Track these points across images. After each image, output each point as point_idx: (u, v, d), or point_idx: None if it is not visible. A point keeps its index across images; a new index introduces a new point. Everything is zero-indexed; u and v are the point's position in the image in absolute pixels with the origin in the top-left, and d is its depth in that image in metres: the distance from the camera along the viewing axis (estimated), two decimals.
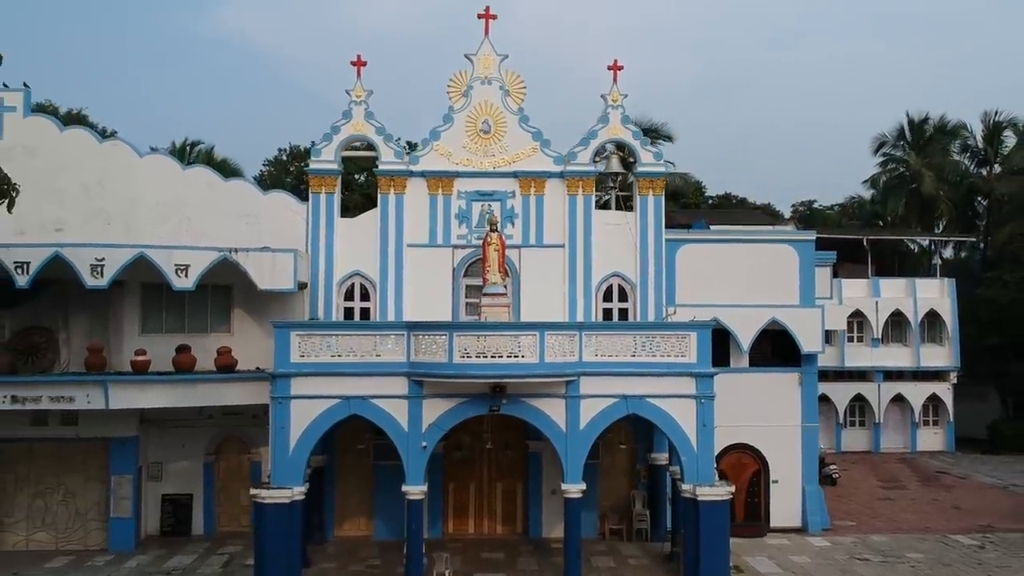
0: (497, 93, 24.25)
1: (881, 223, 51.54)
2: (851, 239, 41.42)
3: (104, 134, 47.64)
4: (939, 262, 44.40)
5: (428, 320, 20.52)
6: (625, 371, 19.34)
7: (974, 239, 46.43)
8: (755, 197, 67.72)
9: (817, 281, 25.68)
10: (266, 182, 56.09)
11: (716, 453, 21.41)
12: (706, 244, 24.96)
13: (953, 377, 40.50)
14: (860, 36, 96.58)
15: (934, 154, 49.00)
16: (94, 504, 22.83)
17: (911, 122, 50.38)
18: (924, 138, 50.33)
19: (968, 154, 49.77)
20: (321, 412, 19.16)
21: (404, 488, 19.21)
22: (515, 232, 23.95)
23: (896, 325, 40.52)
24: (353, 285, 23.95)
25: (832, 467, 31.76)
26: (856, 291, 39.66)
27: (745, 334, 24.27)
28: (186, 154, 49.36)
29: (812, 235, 25.67)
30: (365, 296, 23.93)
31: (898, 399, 40.39)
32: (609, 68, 24.56)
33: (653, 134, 46.63)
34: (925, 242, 47.46)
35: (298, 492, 19.11)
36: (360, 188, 49.18)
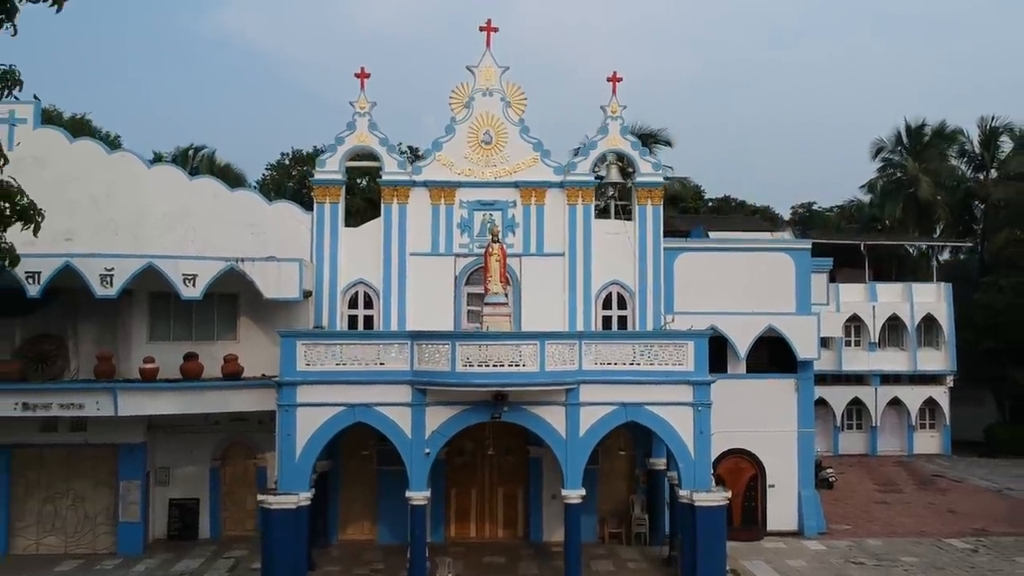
0: (498, 104, 24.67)
1: (879, 227, 51.99)
2: (849, 244, 41.82)
3: (107, 139, 48.37)
4: (936, 266, 44.80)
5: (431, 329, 20.95)
6: (624, 379, 19.76)
7: (970, 244, 46.82)
8: (754, 199, 68.19)
9: (814, 287, 26.09)
10: (268, 186, 56.66)
11: (714, 458, 21.93)
12: (704, 252, 25.37)
13: (949, 381, 40.96)
14: (860, 36, 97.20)
15: (931, 159, 49.46)
16: (103, 509, 23.23)
17: (908, 128, 50.84)
18: (921, 143, 50.79)
19: (965, 159, 50.23)
20: (327, 419, 19.59)
21: (408, 494, 19.63)
22: (516, 241, 24.36)
23: (893, 329, 40.97)
24: (357, 293, 24.36)
25: (829, 471, 32.20)
26: (853, 296, 40.11)
27: (742, 341, 24.68)
28: (189, 159, 49.82)
29: (808, 243, 26.09)
30: (369, 304, 24.34)
31: (895, 403, 40.84)
32: (608, 80, 24.93)
33: (652, 139, 47.18)
34: (923, 246, 47.88)
35: (304, 498, 19.53)
36: (362, 193, 49.59)
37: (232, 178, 49.67)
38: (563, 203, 24.57)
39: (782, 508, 24.99)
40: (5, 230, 10.39)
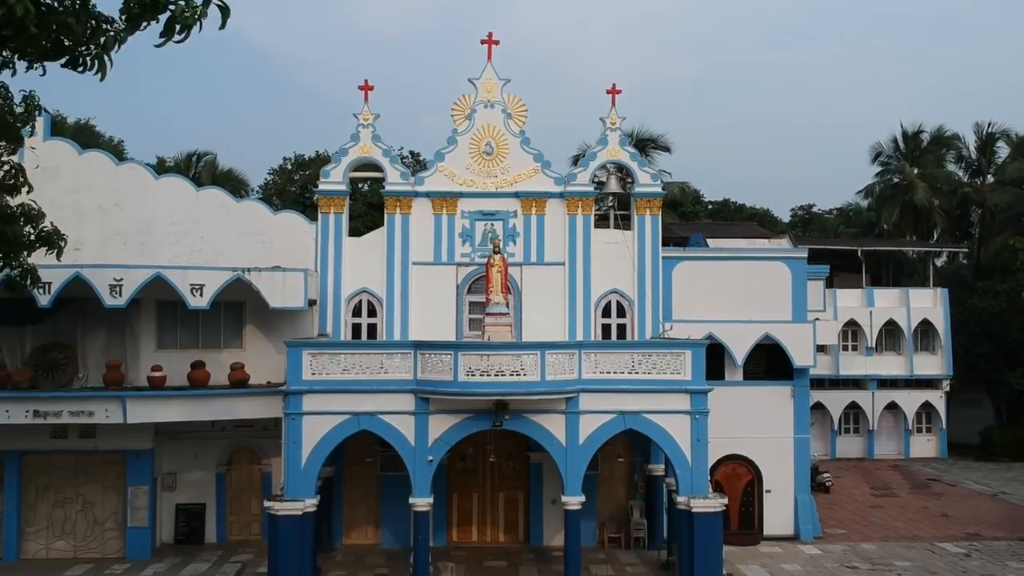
0: (499, 116, 25.10)
1: (877, 231, 52.37)
2: (846, 250, 42.23)
3: (111, 144, 48.81)
4: (932, 270, 45.16)
5: (434, 339, 21.37)
6: (622, 388, 20.20)
7: (966, 250, 47.21)
8: (754, 201, 68.45)
9: (811, 294, 26.55)
10: (271, 191, 57.06)
11: (712, 463, 22.36)
12: (702, 261, 25.78)
13: (946, 385, 41.34)
14: (860, 36, 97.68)
15: (928, 165, 49.86)
16: (111, 514, 23.67)
17: (905, 133, 51.26)
18: (919, 148, 51.19)
19: (962, 164, 50.59)
20: (332, 427, 20.03)
21: (411, 500, 20.07)
22: (517, 250, 24.80)
23: (890, 334, 41.34)
24: (361, 302, 24.80)
25: (825, 475, 32.60)
26: (851, 301, 40.48)
27: (739, 349, 25.09)
28: (192, 165, 50.18)
29: (804, 252, 26.49)
30: (372, 312, 24.78)
31: (892, 407, 41.20)
32: (608, 92, 25.34)
33: (651, 145, 47.64)
34: (920, 251, 48.23)
35: (310, 504, 19.96)
36: (364, 197, 49.98)
37: (235, 183, 50.07)
38: (563, 213, 25.01)
39: (778, 513, 25.41)
40: (29, 255, 10.78)
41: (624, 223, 26.88)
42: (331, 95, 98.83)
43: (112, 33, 5.53)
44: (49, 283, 21.03)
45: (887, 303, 41.10)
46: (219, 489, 24.86)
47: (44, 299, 21.19)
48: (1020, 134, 47.83)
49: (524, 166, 25.05)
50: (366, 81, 24.95)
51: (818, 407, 39.58)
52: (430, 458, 20.04)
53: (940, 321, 40.93)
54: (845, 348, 40.66)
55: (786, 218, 72.97)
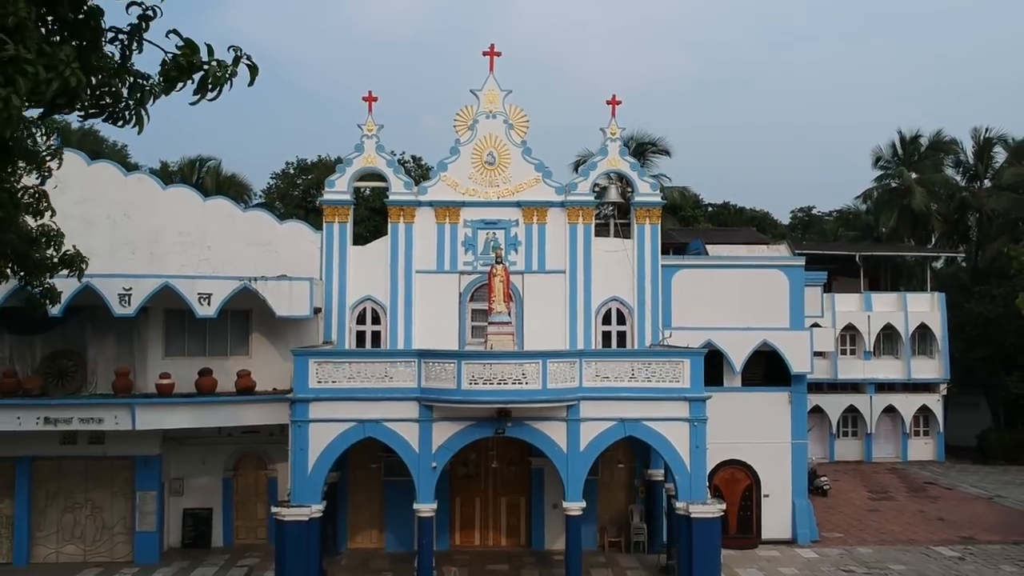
0: (501, 127, 25.49)
1: (875, 235, 52.78)
2: (844, 255, 42.62)
3: (114, 149, 49.22)
4: (930, 274, 45.57)
5: (438, 348, 21.77)
6: (623, 395, 20.59)
7: (963, 255, 47.60)
8: (754, 203, 68.83)
9: (809, 300, 26.92)
10: (274, 195, 57.51)
11: (711, 468, 22.82)
12: (701, 269, 26.19)
13: (943, 389, 41.73)
14: (861, 36, 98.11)
15: (926, 170, 50.28)
16: (120, 518, 24.07)
17: (903, 138, 51.66)
18: (918, 153, 51.63)
19: (960, 169, 51.01)
20: (338, 434, 20.42)
21: (415, 506, 20.47)
22: (518, 259, 25.19)
23: (888, 338, 41.74)
24: (365, 309, 25.19)
25: (823, 479, 32.99)
26: (849, 305, 40.90)
27: (738, 356, 25.49)
28: (196, 170, 50.57)
29: (801, 260, 26.88)
30: (376, 320, 25.18)
31: (889, 410, 41.60)
32: (608, 103, 25.74)
33: (651, 148, 47.99)
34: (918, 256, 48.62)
35: (316, 510, 20.35)
36: (366, 202, 50.42)
37: (238, 189, 50.52)
38: (564, 222, 25.40)
39: (776, 517, 25.80)
40: (51, 277, 11.18)
41: (624, 230, 27.29)
42: (331, 96, 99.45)
43: (149, 88, 5.92)
44: (60, 293, 21.39)
45: (885, 308, 41.48)
46: (226, 494, 25.25)
47: (55, 308, 21.50)
48: (1017, 139, 48.21)
49: (525, 176, 25.45)
50: (370, 93, 25.34)
51: (817, 411, 40.05)
52: (434, 465, 20.43)
53: (937, 325, 41.33)
54: (843, 352, 41.09)
55: (786, 220, 73.50)
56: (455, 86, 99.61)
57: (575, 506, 20.55)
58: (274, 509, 20.64)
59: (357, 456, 23.95)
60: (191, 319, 23.50)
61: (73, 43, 5.33)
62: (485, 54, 25.67)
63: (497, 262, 22.50)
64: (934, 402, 41.75)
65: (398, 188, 25.34)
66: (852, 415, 41.78)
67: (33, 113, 6.60)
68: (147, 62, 6.01)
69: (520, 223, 25.37)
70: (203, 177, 49.22)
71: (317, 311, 24.37)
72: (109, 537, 24.05)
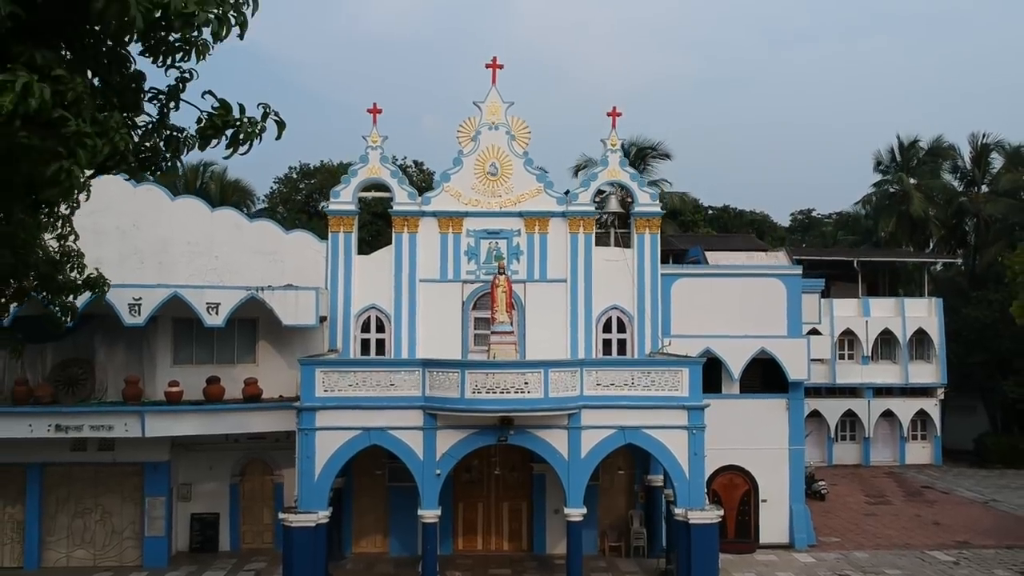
0: (504, 138, 25.91)
1: (875, 239, 53.19)
2: (843, 261, 43.07)
3: None
4: (927, 279, 45.98)
5: (442, 358, 22.19)
6: (622, 404, 21.03)
7: (960, 261, 48.03)
8: (754, 205, 69.26)
9: (806, 306, 27.34)
10: (277, 200, 57.97)
11: (709, 474, 23.27)
12: (699, 278, 26.64)
13: (940, 393, 42.15)
14: (861, 36, 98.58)
15: (924, 175, 50.72)
16: (129, 523, 24.50)
17: (901, 144, 52.11)
18: (917, 159, 52.08)
19: (957, 175, 51.44)
20: (344, 442, 20.86)
21: (420, 512, 20.92)
22: (520, 268, 25.62)
23: (885, 343, 42.15)
24: (369, 318, 25.62)
25: (821, 483, 33.42)
26: (847, 311, 41.33)
27: (736, 363, 25.92)
28: (199, 175, 50.95)
29: (799, 269, 27.31)
30: (381, 328, 25.60)
31: (887, 414, 42.02)
32: (608, 114, 26.16)
33: (651, 153, 48.47)
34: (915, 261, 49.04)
35: (323, 516, 20.79)
36: (368, 207, 50.83)
37: (242, 194, 50.92)
38: (565, 232, 25.83)
39: (774, 522, 26.22)
40: (75, 298, 11.62)
41: (624, 239, 27.72)
42: (331, 96, 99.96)
43: (184, 142, 6.37)
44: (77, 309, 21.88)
45: (883, 313, 41.90)
46: (232, 499, 25.68)
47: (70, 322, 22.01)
48: (1014, 145, 48.64)
49: (527, 186, 25.88)
50: (375, 105, 25.78)
51: (815, 415, 40.50)
52: (438, 472, 20.87)
53: (935, 331, 41.75)
54: (842, 357, 41.54)
55: (785, 222, 73.98)
56: (455, 86, 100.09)
57: (576, 512, 20.98)
58: (281, 515, 21.07)
59: (362, 462, 24.36)
60: (199, 328, 23.95)
61: (115, 101, 5.78)
62: (488, 66, 26.10)
63: (500, 273, 22.96)
64: (931, 406, 42.17)
65: (402, 198, 25.76)
66: (850, 419, 42.20)
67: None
68: (182, 115, 6.45)
69: (522, 233, 25.80)
70: (207, 182, 49.61)
71: (323, 319, 24.81)
72: (118, 542, 24.48)
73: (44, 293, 11.33)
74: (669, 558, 23.35)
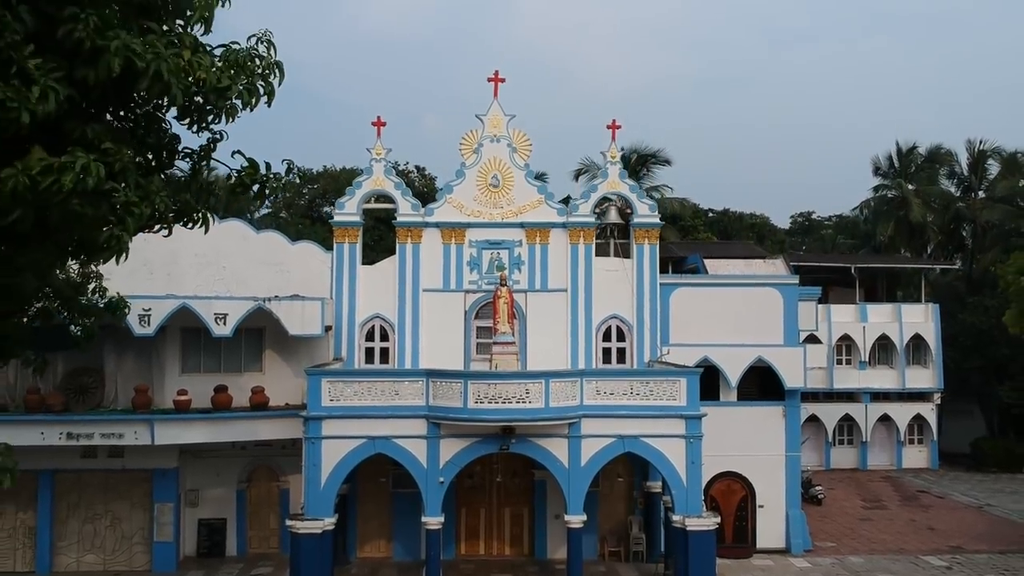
0: (505, 150, 26.41)
1: (873, 243, 53.63)
2: (840, 267, 43.55)
3: None
4: (924, 284, 46.38)
5: (445, 368, 22.68)
6: (622, 413, 21.52)
7: (958, 267, 48.48)
8: (754, 207, 69.66)
9: (803, 314, 27.72)
10: (280, 204, 58.40)
11: (707, 480, 23.81)
12: (698, 288, 27.12)
13: (937, 398, 42.61)
14: (862, 36, 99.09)
15: (921, 181, 51.18)
16: (138, 529, 25.00)
17: (900, 150, 52.58)
18: (915, 165, 52.53)
19: (954, 181, 51.88)
20: (349, 451, 21.37)
21: (424, 519, 21.43)
22: (522, 278, 26.12)
23: (883, 348, 42.61)
24: (373, 327, 26.10)
25: (818, 488, 33.88)
26: (844, 316, 41.79)
27: (733, 371, 26.41)
28: None
29: (795, 279, 27.78)
30: (385, 337, 26.08)
31: (884, 419, 42.48)
32: (608, 127, 26.65)
33: (652, 159, 48.93)
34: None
35: (329, 523, 21.29)
36: (369, 212, 51.24)
37: (245, 200, 51.32)
38: (565, 242, 26.31)
39: (771, 527, 26.70)
40: (99, 321, 12.09)
41: (624, 249, 28.17)
42: (331, 96, 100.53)
43: (216, 196, 6.87)
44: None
45: (880, 318, 42.36)
46: (239, 505, 26.17)
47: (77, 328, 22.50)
48: (1010, 152, 49.07)
49: (528, 197, 26.36)
50: (379, 118, 26.26)
51: (813, 419, 40.98)
52: (441, 480, 21.36)
53: (931, 336, 42.20)
54: (839, 362, 42.00)
55: (785, 225, 74.44)
56: (457, 86, 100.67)
57: (576, 519, 21.48)
58: (289, 522, 21.57)
59: (366, 469, 24.79)
60: (207, 337, 24.45)
61: (152, 161, 6.28)
62: (490, 80, 26.58)
63: (501, 284, 23.48)
64: (928, 411, 42.63)
65: (406, 210, 26.25)
66: (848, 423, 42.65)
67: None
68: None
69: (523, 243, 26.28)
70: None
71: (328, 329, 25.30)
72: (128, 547, 24.98)
73: (66, 314, 11.80)
74: (667, 563, 23.84)
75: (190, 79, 5.55)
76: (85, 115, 5.76)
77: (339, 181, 54.59)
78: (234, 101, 6.20)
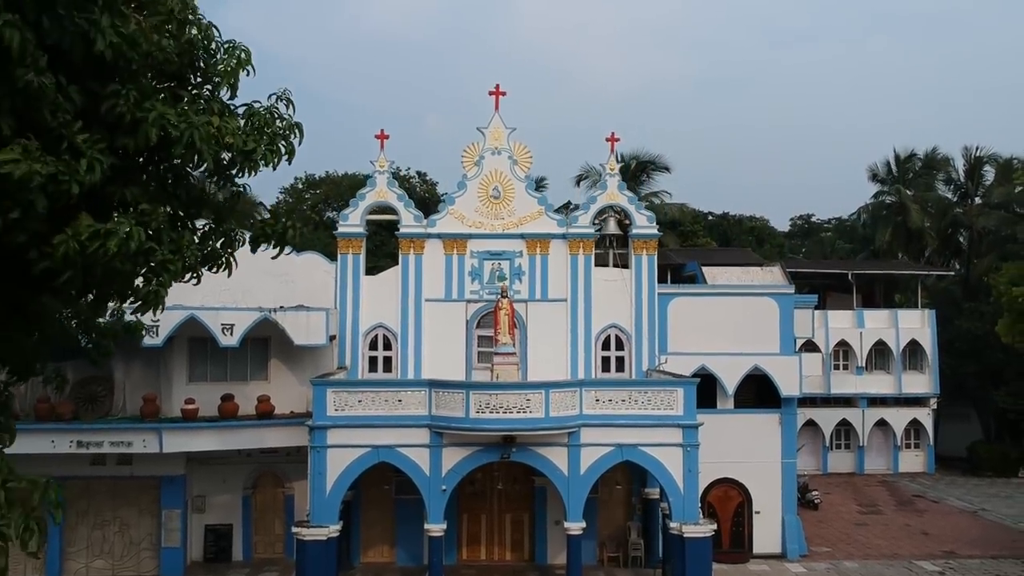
0: (506, 162, 26.88)
1: (872, 248, 54.12)
2: (838, 273, 44.04)
3: None
4: (920, 290, 46.84)
5: (447, 379, 23.15)
6: (620, 422, 22.02)
7: (954, 273, 48.94)
8: (753, 210, 70.08)
9: (800, 321, 28.24)
10: (282, 209, 58.88)
11: (704, 487, 24.31)
12: (695, 297, 27.62)
13: (933, 403, 43.05)
14: (863, 35, 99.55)
15: (919, 187, 51.66)
16: (146, 535, 25.50)
17: (897, 157, 53.07)
18: (913, 171, 53.03)
19: (951, 187, 52.35)
20: (354, 459, 21.87)
21: (426, 526, 21.91)
22: (522, 288, 26.58)
23: (880, 354, 43.04)
24: (377, 336, 26.57)
25: (814, 493, 34.34)
26: (841, 323, 42.24)
27: (730, 379, 26.89)
28: None
29: (791, 288, 28.26)
30: (388, 346, 26.56)
31: (881, 424, 42.92)
32: (607, 140, 27.14)
33: (651, 166, 49.44)
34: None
35: (334, 530, 21.78)
36: (370, 218, 51.63)
37: (248, 205, 51.86)
38: (565, 253, 26.78)
39: (767, 532, 27.18)
40: (116, 342, 12.57)
41: (623, 259, 28.65)
42: (332, 96, 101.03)
43: (239, 242, 7.36)
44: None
45: (877, 324, 42.80)
46: (245, 511, 26.65)
47: (86, 339, 22.97)
48: (1006, 158, 49.53)
49: (529, 209, 26.84)
50: (382, 131, 26.72)
51: (810, 424, 41.43)
52: (444, 488, 21.84)
53: (927, 341, 42.64)
54: (836, 367, 42.45)
55: (785, 227, 74.90)
56: (458, 86, 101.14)
57: (576, 526, 21.96)
58: (295, 528, 22.06)
59: (370, 476, 25.18)
60: (213, 347, 24.91)
61: (181, 213, 6.78)
62: (491, 93, 27.06)
63: (503, 296, 23.97)
64: (924, 416, 43.07)
65: (408, 221, 26.72)
66: (845, 428, 43.10)
67: None
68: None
69: (524, 254, 26.75)
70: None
71: (332, 338, 25.77)
72: (136, 553, 25.46)
73: (85, 334, 12.27)
74: (665, 568, 24.31)
75: (218, 144, 6.05)
76: (124, 179, 6.26)
77: (341, 187, 55.13)
78: (257, 160, 6.70)
